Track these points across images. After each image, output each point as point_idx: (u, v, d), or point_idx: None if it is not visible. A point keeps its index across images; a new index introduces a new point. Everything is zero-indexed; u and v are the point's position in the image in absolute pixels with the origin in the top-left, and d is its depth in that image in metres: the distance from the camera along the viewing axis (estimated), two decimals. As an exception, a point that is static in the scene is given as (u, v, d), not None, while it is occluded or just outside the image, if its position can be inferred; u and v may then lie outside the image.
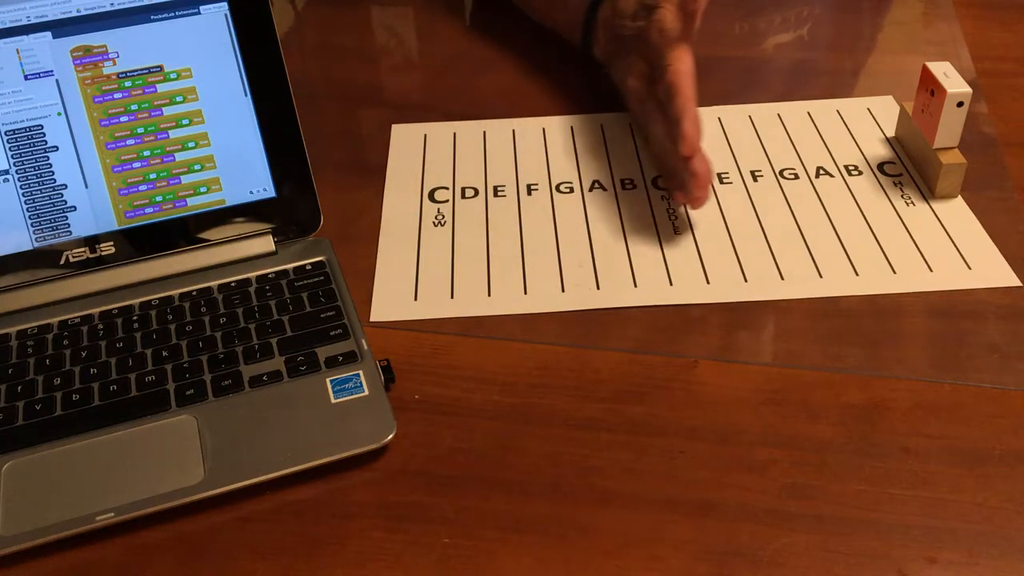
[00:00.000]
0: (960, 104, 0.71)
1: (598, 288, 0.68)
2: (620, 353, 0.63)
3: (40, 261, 0.65)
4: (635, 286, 0.68)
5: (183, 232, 0.67)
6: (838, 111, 0.85)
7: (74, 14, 0.63)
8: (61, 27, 0.63)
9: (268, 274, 0.67)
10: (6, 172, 0.64)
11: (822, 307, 0.66)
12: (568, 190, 0.77)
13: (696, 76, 0.72)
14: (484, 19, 1.04)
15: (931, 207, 0.74)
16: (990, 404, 0.58)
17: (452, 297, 0.67)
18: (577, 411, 0.59)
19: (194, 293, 0.65)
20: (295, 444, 0.55)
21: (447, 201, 0.76)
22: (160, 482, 0.54)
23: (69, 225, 0.65)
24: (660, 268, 0.69)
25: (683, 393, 0.60)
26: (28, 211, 0.64)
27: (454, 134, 0.84)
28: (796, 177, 0.77)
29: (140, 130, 0.66)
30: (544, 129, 0.84)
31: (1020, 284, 0.67)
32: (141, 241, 0.67)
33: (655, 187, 0.77)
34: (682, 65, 0.71)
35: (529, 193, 0.77)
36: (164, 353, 0.61)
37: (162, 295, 0.65)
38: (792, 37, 0.97)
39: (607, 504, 0.53)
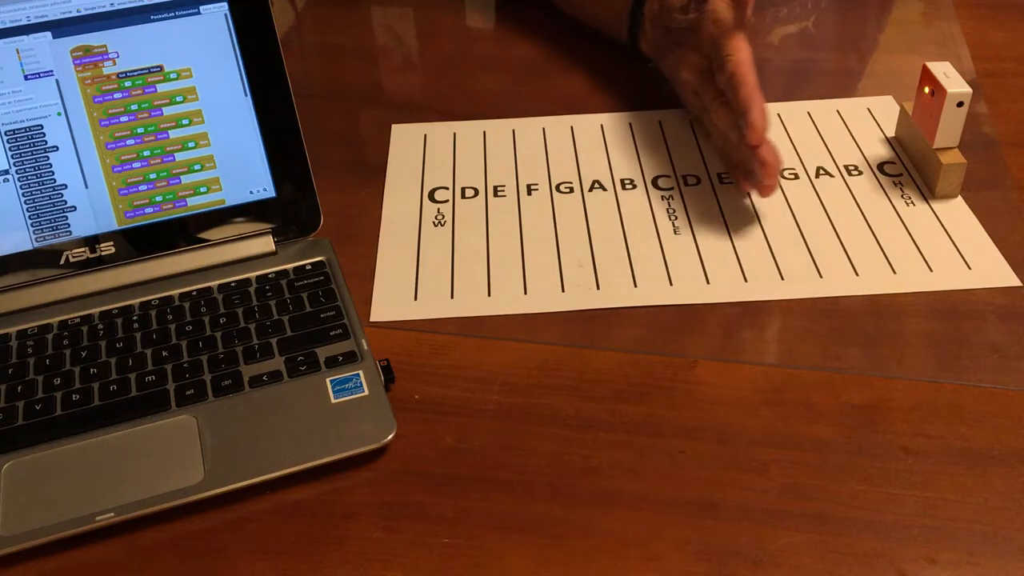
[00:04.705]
0: (960, 104, 0.71)
1: (598, 288, 0.68)
2: (620, 353, 0.63)
3: (40, 261, 0.65)
4: (635, 286, 0.68)
5: (183, 232, 0.67)
6: (838, 111, 0.84)
7: (74, 14, 0.63)
8: (61, 27, 0.63)
9: (268, 274, 0.67)
10: (6, 172, 0.64)
11: (822, 307, 0.66)
12: (568, 190, 0.77)
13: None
14: (488, 18, 1.04)
15: (931, 207, 0.74)
16: (990, 404, 0.58)
17: (452, 297, 0.67)
18: (577, 411, 0.59)
19: (194, 293, 0.65)
20: (295, 444, 0.55)
21: (447, 201, 0.76)
22: (160, 482, 0.54)
23: (69, 225, 0.65)
24: (660, 268, 0.69)
25: (683, 393, 0.60)
26: (28, 211, 0.64)
27: (454, 134, 0.84)
28: (796, 177, 0.77)
29: (140, 130, 0.66)
30: (544, 129, 0.84)
31: (1020, 284, 0.67)
32: (141, 241, 0.67)
33: (654, 186, 0.77)
34: (742, 55, 0.71)
35: (529, 193, 0.77)
36: (164, 353, 0.61)
37: (162, 295, 0.65)
38: (797, 29, 0.98)
39: (607, 504, 0.53)
